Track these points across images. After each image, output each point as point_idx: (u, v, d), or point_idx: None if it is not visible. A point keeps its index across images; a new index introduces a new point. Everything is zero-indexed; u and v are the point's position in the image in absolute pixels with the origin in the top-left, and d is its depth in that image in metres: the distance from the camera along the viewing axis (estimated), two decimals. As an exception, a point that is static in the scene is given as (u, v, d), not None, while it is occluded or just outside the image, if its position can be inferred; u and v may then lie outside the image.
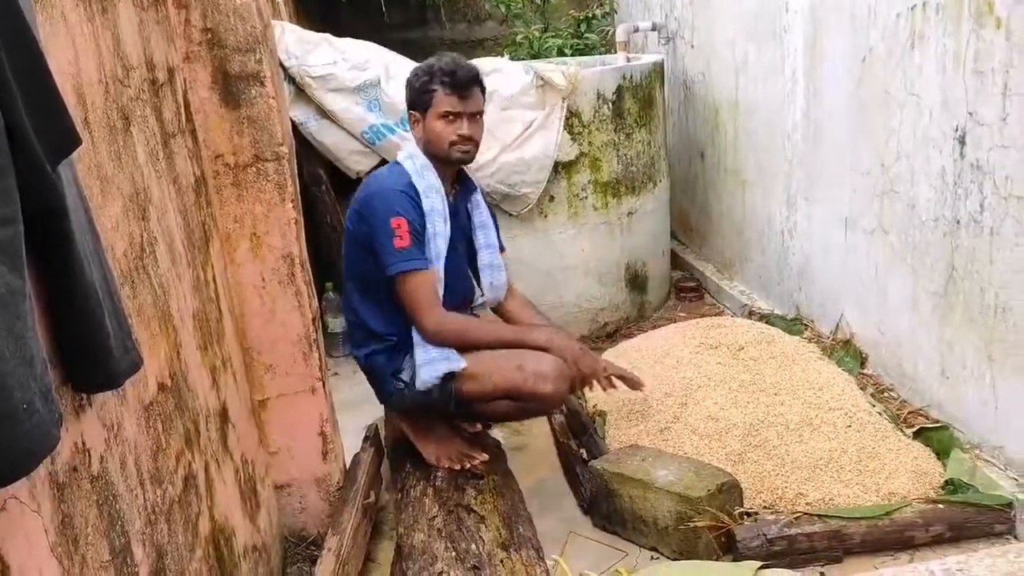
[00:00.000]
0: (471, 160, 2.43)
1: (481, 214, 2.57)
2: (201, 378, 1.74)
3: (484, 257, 2.56)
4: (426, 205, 2.32)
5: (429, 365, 2.31)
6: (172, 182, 1.70)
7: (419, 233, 2.29)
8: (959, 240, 2.31)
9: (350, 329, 2.57)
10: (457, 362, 2.30)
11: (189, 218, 1.80)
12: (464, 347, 2.33)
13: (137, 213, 1.45)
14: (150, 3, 1.71)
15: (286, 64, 3.28)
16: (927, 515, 2.18)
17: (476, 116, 2.37)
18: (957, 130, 2.27)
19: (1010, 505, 2.14)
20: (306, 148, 3.43)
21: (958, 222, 2.31)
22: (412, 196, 2.31)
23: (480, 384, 2.32)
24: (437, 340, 2.31)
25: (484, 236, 2.56)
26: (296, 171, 2.27)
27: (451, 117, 2.33)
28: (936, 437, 2.44)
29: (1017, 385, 2.14)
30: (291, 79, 3.33)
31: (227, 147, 2.08)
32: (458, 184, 2.50)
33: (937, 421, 2.48)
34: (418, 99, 2.36)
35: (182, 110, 1.86)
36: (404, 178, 2.34)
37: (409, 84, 2.40)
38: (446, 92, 2.32)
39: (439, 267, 2.33)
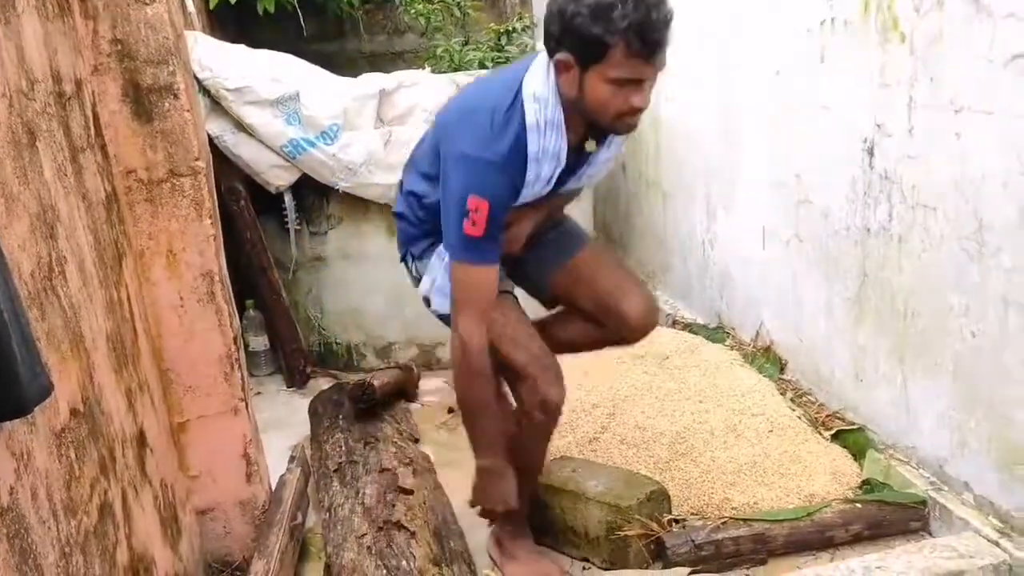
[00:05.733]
0: (634, 131, 1.93)
1: (610, 148, 2.08)
2: (116, 402, 1.67)
3: (588, 170, 2.09)
4: (531, 173, 1.86)
5: (440, 295, 2.08)
6: (81, 199, 1.63)
7: (498, 221, 1.85)
8: (870, 248, 2.40)
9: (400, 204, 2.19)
10: (442, 306, 2.06)
11: (100, 236, 1.73)
12: (459, 381, 2.05)
13: (45, 231, 1.39)
14: (56, 14, 1.64)
15: (200, 76, 3.19)
16: (846, 515, 2.25)
17: (655, 79, 1.81)
18: (866, 141, 2.36)
19: (924, 503, 2.22)
20: (223, 162, 3.34)
21: (868, 230, 2.40)
22: (512, 164, 1.82)
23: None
24: (455, 343, 1.97)
25: (606, 153, 2.09)
26: (214, 186, 2.21)
27: (627, 84, 1.75)
28: (852, 439, 2.52)
29: (926, 387, 2.23)
30: (206, 91, 3.25)
31: (140, 162, 2.00)
32: (594, 137, 1.98)
33: (853, 423, 2.56)
34: (581, 46, 1.74)
35: (91, 124, 1.79)
36: (514, 132, 1.82)
37: (568, 18, 1.72)
38: (631, 52, 1.70)
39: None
